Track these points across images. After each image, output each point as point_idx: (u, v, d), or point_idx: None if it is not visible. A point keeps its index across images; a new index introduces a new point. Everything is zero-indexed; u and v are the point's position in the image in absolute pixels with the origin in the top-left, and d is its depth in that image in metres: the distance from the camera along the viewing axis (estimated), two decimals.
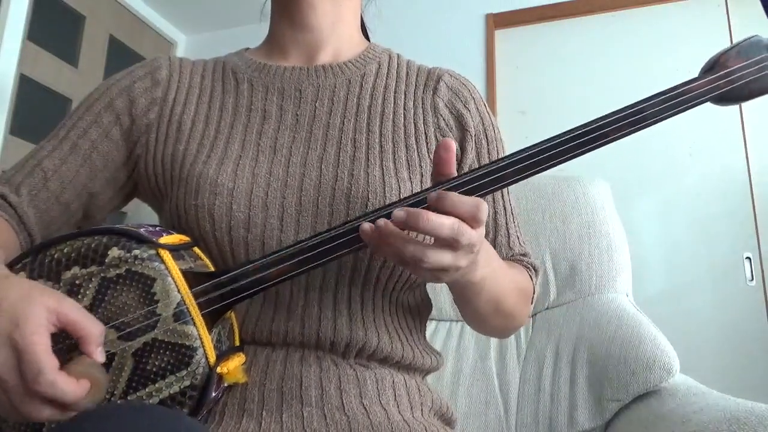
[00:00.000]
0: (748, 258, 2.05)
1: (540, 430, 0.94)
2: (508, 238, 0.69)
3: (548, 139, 0.51)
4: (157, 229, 0.55)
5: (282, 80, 0.69)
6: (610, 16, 2.43)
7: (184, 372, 0.48)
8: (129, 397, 0.47)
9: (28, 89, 2.26)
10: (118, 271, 0.49)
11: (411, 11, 2.69)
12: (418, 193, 0.52)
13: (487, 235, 0.68)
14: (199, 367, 0.48)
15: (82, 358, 0.43)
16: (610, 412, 0.89)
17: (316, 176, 0.61)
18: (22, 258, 0.51)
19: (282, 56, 0.72)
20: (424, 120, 0.67)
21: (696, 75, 0.53)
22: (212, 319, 0.51)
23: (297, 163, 0.63)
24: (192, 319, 0.49)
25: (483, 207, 0.47)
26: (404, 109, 0.68)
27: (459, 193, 0.48)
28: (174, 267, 0.50)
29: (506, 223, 0.70)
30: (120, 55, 2.72)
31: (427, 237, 0.53)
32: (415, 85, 0.70)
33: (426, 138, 0.66)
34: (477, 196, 0.50)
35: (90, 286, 0.49)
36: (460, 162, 0.68)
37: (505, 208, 0.70)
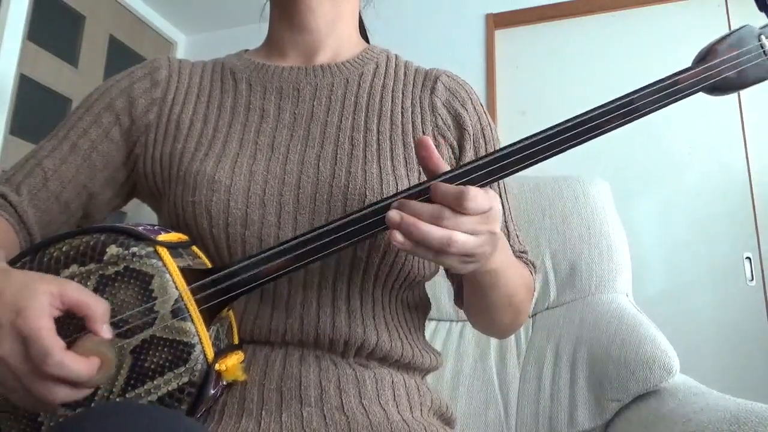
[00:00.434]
0: (748, 258, 2.05)
1: (540, 430, 0.94)
2: (507, 235, 0.69)
3: (541, 132, 0.51)
4: (156, 227, 0.56)
5: (280, 80, 0.69)
6: (610, 16, 2.43)
7: (183, 369, 0.48)
8: (128, 395, 0.47)
9: (28, 89, 2.26)
10: (116, 269, 0.49)
11: (411, 11, 2.69)
12: (419, 184, 0.52)
13: None
14: (198, 364, 0.48)
15: (89, 336, 0.44)
16: (610, 412, 0.89)
17: (314, 174, 0.62)
18: (21, 257, 0.52)
19: (280, 57, 0.73)
20: (422, 119, 0.68)
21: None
22: (210, 316, 0.51)
23: (294, 160, 0.63)
24: (190, 315, 0.49)
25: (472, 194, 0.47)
26: (402, 107, 0.68)
27: (458, 184, 0.50)
28: (172, 264, 0.50)
29: (505, 221, 0.70)
30: (120, 55, 2.72)
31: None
32: (413, 85, 0.71)
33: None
34: (494, 179, 0.52)
35: (88, 284, 0.49)
36: (459, 161, 0.68)
37: (502, 206, 0.70)
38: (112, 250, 0.50)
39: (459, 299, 0.70)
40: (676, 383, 0.86)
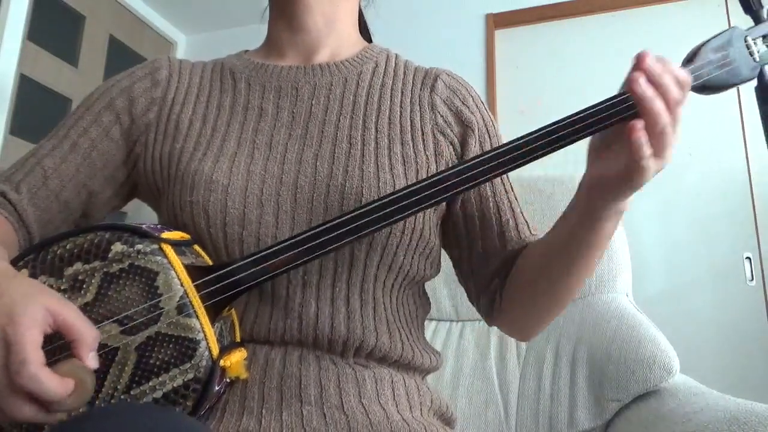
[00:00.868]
0: (748, 258, 2.05)
1: (540, 430, 0.94)
2: (516, 226, 0.68)
3: (550, 124, 0.52)
4: (158, 226, 0.56)
5: (279, 79, 0.69)
6: (610, 16, 2.43)
7: (188, 365, 0.48)
8: (132, 392, 0.47)
9: (28, 89, 2.26)
10: (120, 266, 0.49)
11: (411, 11, 2.69)
12: (426, 178, 0.53)
13: (494, 227, 0.67)
14: (203, 360, 0.48)
15: (73, 360, 0.43)
16: (610, 412, 0.89)
17: (311, 173, 0.62)
18: (25, 255, 0.52)
19: (279, 56, 0.73)
20: (420, 117, 0.68)
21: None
22: (215, 312, 0.51)
23: (292, 160, 0.63)
24: (195, 311, 0.49)
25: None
26: (401, 106, 0.68)
27: (468, 176, 0.51)
28: (176, 260, 0.51)
29: (513, 212, 0.69)
30: (120, 55, 2.72)
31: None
32: (413, 84, 0.71)
33: (423, 135, 0.66)
34: (489, 177, 0.52)
35: (93, 281, 0.49)
36: (461, 157, 0.68)
37: (509, 198, 0.69)
38: (117, 247, 0.50)
39: (488, 294, 0.69)
40: (676, 383, 0.86)
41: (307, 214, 0.60)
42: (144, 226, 0.53)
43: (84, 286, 0.49)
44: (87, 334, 0.44)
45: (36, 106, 2.31)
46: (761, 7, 0.55)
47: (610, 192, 0.52)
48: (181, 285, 0.49)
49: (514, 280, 0.66)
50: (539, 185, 1.14)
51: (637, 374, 0.87)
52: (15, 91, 2.20)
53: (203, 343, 0.48)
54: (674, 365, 0.87)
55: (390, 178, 0.62)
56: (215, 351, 0.49)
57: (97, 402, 0.47)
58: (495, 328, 1.11)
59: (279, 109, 0.67)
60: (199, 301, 0.50)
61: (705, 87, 0.53)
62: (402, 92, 0.70)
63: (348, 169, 0.61)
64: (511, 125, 2.35)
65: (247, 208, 0.60)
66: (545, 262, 0.62)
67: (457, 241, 0.69)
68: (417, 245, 0.64)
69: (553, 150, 0.52)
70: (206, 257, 0.58)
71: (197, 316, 0.49)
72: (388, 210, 0.53)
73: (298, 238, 0.53)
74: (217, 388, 0.50)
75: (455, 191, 0.53)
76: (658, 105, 0.47)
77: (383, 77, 0.71)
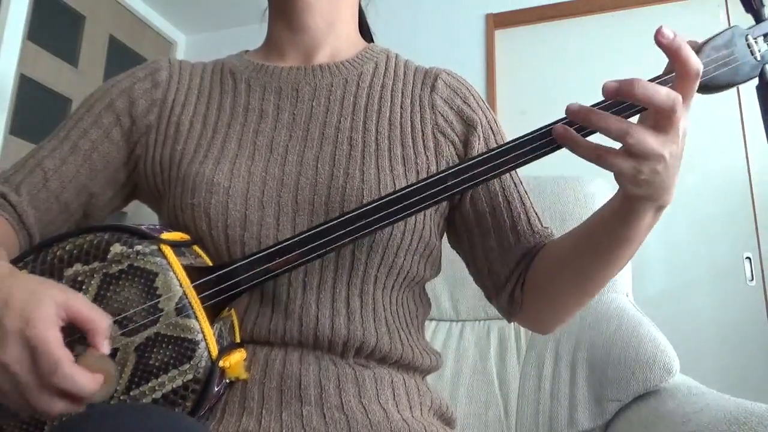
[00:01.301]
0: (748, 258, 2.05)
1: (540, 430, 0.94)
2: (528, 219, 0.68)
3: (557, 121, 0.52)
4: (158, 227, 0.56)
5: (279, 80, 0.69)
6: (610, 16, 2.43)
7: (187, 366, 0.48)
8: (132, 393, 0.47)
9: (28, 89, 2.26)
10: (120, 267, 0.49)
11: (411, 11, 2.69)
12: (426, 178, 0.53)
13: (506, 222, 0.67)
14: (202, 361, 0.48)
15: (91, 350, 0.44)
16: (610, 412, 0.89)
17: (312, 175, 0.62)
18: (24, 257, 0.52)
19: (280, 57, 0.73)
20: (421, 117, 0.68)
21: None
22: (214, 313, 0.51)
23: (293, 161, 0.63)
24: (194, 312, 0.49)
25: (679, 99, 0.46)
26: (401, 107, 0.68)
27: (477, 172, 0.52)
28: (176, 261, 0.51)
29: (524, 205, 0.68)
30: (120, 55, 2.72)
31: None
32: (413, 84, 0.71)
33: (423, 135, 0.67)
34: (489, 177, 0.53)
35: (92, 282, 0.49)
36: (464, 156, 0.68)
37: (519, 192, 0.69)
38: (116, 248, 0.50)
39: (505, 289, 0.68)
40: (676, 383, 0.86)
41: (308, 215, 0.60)
42: (143, 227, 0.53)
43: (83, 287, 0.49)
44: (100, 322, 0.44)
45: (36, 106, 2.31)
46: (762, 5, 0.55)
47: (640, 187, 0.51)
48: (180, 286, 0.49)
49: (536, 275, 0.65)
50: (542, 185, 1.14)
51: (637, 374, 0.87)
52: (15, 91, 2.20)
53: (202, 344, 0.48)
54: (674, 365, 0.87)
55: (390, 179, 0.62)
56: (214, 352, 0.49)
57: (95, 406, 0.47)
58: (495, 328, 1.11)
59: (279, 110, 0.67)
60: (198, 302, 0.50)
61: (706, 86, 0.53)
62: (402, 93, 0.70)
63: (349, 171, 0.61)
64: (512, 125, 2.35)
65: (248, 210, 0.60)
66: (572, 259, 0.61)
67: (469, 239, 0.69)
68: (417, 246, 0.64)
69: (554, 149, 0.52)
70: (206, 258, 0.58)
71: (196, 317, 0.49)
72: (387, 210, 0.53)
73: (298, 239, 0.53)
74: (216, 388, 0.50)
75: (455, 191, 0.53)
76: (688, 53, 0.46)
77: (383, 78, 0.71)
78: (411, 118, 0.68)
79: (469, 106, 0.69)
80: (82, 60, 2.52)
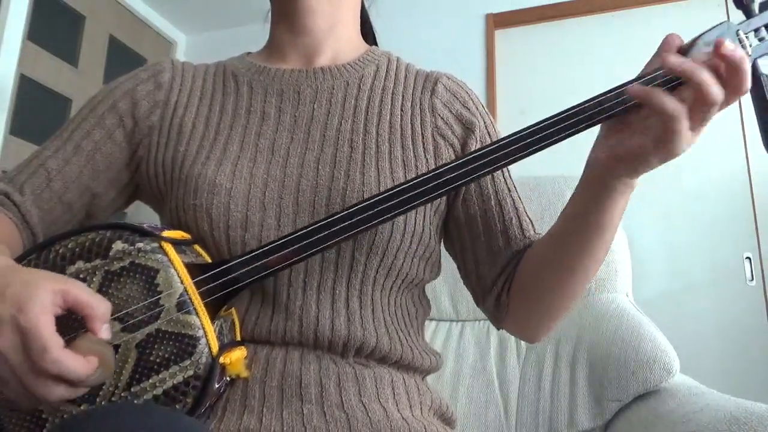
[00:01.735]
0: (748, 258, 2.05)
1: (540, 430, 0.95)
2: (519, 222, 0.68)
3: (547, 118, 0.53)
4: (158, 226, 0.56)
5: (281, 82, 0.70)
6: (610, 16, 2.43)
7: (188, 362, 0.48)
8: (133, 389, 0.47)
9: (28, 89, 2.26)
10: (121, 264, 0.50)
11: (411, 11, 2.69)
12: (423, 174, 0.53)
13: (497, 226, 0.67)
14: (203, 357, 0.48)
15: (87, 335, 0.44)
16: (610, 412, 0.89)
17: (313, 177, 0.62)
18: (28, 254, 0.52)
19: (281, 59, 0.73)
20: (421, 121, 0.68)
21: None
22: (215, 310, 0.52)
23: (294, 163, 0.63)
24: (195, 308, 0.49)
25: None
26: (401, 110, 0.68)
27: (474, 167, 0.52)
28: (176, 258, 0.51)
29: (517, 209, 0.68)
30: (120, 55, 2.72)
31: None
32: (413, 87, 0.71)
33: (423, 138, 0.67)
34: (487, 171, 0.53)
35: (94, 279, 0.49)
36: None
37: (511, 194, 0.69)
38: (118, 245, 0.50)
39: (489, 294, 0.68)
40: (676, 383, 0.86)
41: (309, 217, 0.60)
42: (145, 225, 0.53)
43: (85, 284, 0.49)
44: (98, 307, 0.44)
45: (36, 106, 2.32)
46: (752, 1, 0.55)
47: (631, 163, 0.52)
48: (181, 282, 0.50)
49: (521, 277, 0.65)
50: (542, 185, 1.14)
51: (637, 374, 0.87)
52: (15, 91, 2.21)
53: (203, 340, 0.49)
54: (674, 365, 0.87)
55: (391, 181, 0.62)
56: (215, 348, 0.49)
57: (97, 400, 0.47)
58: (495, 329, 1.12)
59: (281, 112, 0.68)
60: (199, 298, 0.50)
61: None
62: (403, 96, 0.70)
63: (350, 173, 0.62)
64: (512, 125, 2.35)
65: (249, 211, 0.60)
66: (553, 255, 0.62)
67: (460, 241, 0.69)
68: (417, 248, 0.64)
69: (548, 146, 0.52)
70: (206, 257, 0.58)
71: (197, 313, 0.49)
72: (383, 206, 0.53)
73: (296, 235, 0.53)
74: (217, 385, 0.50)
75: (451, 186, 0.53)
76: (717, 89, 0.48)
77: (384, 81, 0.71)
78: (411, 121, 0.68)
79: (468, 110, 0.70)
80: (82, 60, 2.52)
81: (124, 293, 0.49)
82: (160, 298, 0.49)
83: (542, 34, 2.51)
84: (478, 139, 0.69)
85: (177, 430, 0.39)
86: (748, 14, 0.55)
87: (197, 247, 0.58)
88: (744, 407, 0.64)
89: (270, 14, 0.76)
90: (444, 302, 1.17)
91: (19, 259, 0.52)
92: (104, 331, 0.44)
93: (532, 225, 0.69)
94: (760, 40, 0.54)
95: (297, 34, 0.72)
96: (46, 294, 0.42)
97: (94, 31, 2.59)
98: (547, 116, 0.53)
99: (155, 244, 0.51)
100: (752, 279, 2.03)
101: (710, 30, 0.53)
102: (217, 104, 0.69)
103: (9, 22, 2.17)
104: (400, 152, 0.65)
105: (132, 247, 0.50)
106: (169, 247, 0.51)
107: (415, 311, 0.69)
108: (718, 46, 0.47)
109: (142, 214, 1.06)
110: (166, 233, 0.53)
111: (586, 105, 0.52)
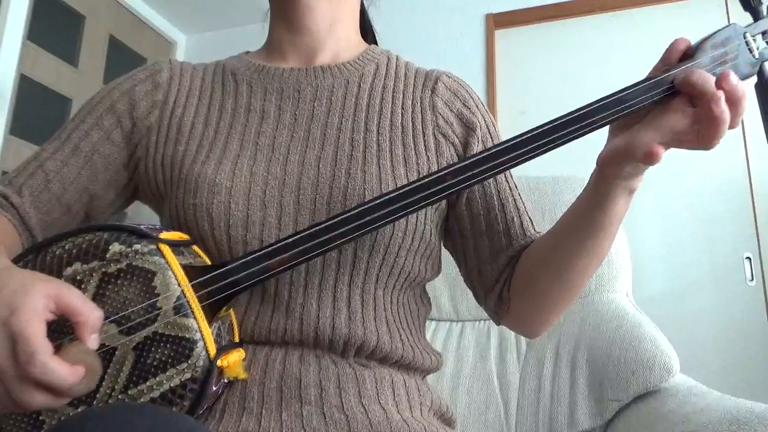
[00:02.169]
0: (748, 258, 2.05)
1: (540, 430, 0.94)
2: (521, 223, 0.68)
3: (549, 122, 0.53)
4: (157, 227, 0.56)
5: (281, 81, 0.69)
6: (610, 16, 2.43)
7: (185, 365, 0.48)
8: (130, 391, 0.47)
9: (28, 89, 2.26)
10: (118, 266, 0.49)
11: (411, 11, 2.69)
12: (425, 176, 0.53)
13: (499, 225, 0.68)
14: (200, 360, 0.48)
15: (76, 343, 0.43)
16: (610, 412, 0.89)
17: (314, 175, 0.62)
18: (25, 255, 0.52)
19: (281, 58, 0.73)
20: (422, 119, 0.68)
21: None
22: (213, 312, 0.51)
23: (295, 162, 0.63)
24: (192, 311, 0.49)
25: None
26: (402, 108, 0.68)
27: (476, 172, 0.52)
28: (174, 260, 0.51)
29: (518, 210, 0.69)
30: (120, 55, 2.72)
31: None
32: (414, 85, 0.71)
33: (423, 136, 0.67)
34: (487, 176, 0.53)
35: (91, 281, 0.49)
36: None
37: (514, 195, 0.69)
38: (115, 247, 0.50)
39: (489, 293, 0.68)
40: (676, 383, 0.86)
41: (310, 216, 0.60)
42: (143, 226, 0.53)
43: (82, 286, 0.49)
44: (90, 315, 0.44)
45: (36, 107, 2.31)
46: (760, 3, 0.55)
47: (629, 165, 0.52)
48: (179, 285, 0.49)
49: (521, 274, 0.66)
50: (542, 185, 1.14)
51: (637, 374, 0.87)
52: (15, 91, 2.21)
53: (200, 343, 0.48)
54: (674, 365, 0.87)
55: (392, 179, 0.62)
56: (212, 351, 0.49)
57: (94, 402, 0.47)
58: (495, 328, 1.11)
59: (281, 111, 0.68)
60: (197, 301, 0.50)
61: None
62: (403, 94, 0.70)
63: (350, 172, 0.62)
64: (512, 125, 2.36)
65: (250, 210, 0.60)
66: (553, 253, 0.62)
67: (462, 240, 0.69)
68: (419, 247, 0.64)
69: (547, 150, 0.52)
70: (205, 257, 0.58)
71: (194, 316, 0.49)
72: (385, 210, 0.53)
73: (297, 237, 0.53)
74: (214, 388, 0.50)
75: (454, 190, 0.53)
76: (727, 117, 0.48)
77: (384, 79, 0.71)
78: (412, 119, 0.68)
79: (469, 108, 0.70)
80: (82, 60, 2.52)
81: (122, 295, 0.49)
82: (157, 300, 0.49)
83: (542, 34, 2.51)
84: (480, 139, 0.69)
85: (177, 430, 0.39)
86: (756, 16, 0.55)
87: (196, 248, 0.58)
88: (744, 407, 0.64)
89: (269, 14, 0.76)
90: (444, 302, 1.17)
91: (17, 260, 0.51)
92: (93, 340, 0.44)
93: (533, 224, 0.69)
94: None
95: (296, 33, 0.72)
96: (39, 298, 0.42)
97: (93, 31, 2.59)
98: (550, 119, 0.53)
99: (153, 246, 0.51)
100: (752, 279, 2.03)
101: (718, 32, 0.53)
102: (216, 103, 0.69)
103: (9, 22, 2.17)
104: (401, 150, 0.65)
105: (129, 249, 0.50)
106: (166, 249, 0.51)
107: (416, 309, 0.69)
108: (722, 79, 0.47)
109: (143, 214, 1.06)
110: (164, 235, 0.53)
111: (587, 109, 0.52)
